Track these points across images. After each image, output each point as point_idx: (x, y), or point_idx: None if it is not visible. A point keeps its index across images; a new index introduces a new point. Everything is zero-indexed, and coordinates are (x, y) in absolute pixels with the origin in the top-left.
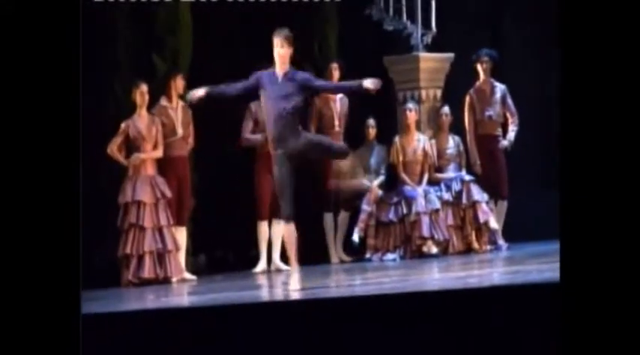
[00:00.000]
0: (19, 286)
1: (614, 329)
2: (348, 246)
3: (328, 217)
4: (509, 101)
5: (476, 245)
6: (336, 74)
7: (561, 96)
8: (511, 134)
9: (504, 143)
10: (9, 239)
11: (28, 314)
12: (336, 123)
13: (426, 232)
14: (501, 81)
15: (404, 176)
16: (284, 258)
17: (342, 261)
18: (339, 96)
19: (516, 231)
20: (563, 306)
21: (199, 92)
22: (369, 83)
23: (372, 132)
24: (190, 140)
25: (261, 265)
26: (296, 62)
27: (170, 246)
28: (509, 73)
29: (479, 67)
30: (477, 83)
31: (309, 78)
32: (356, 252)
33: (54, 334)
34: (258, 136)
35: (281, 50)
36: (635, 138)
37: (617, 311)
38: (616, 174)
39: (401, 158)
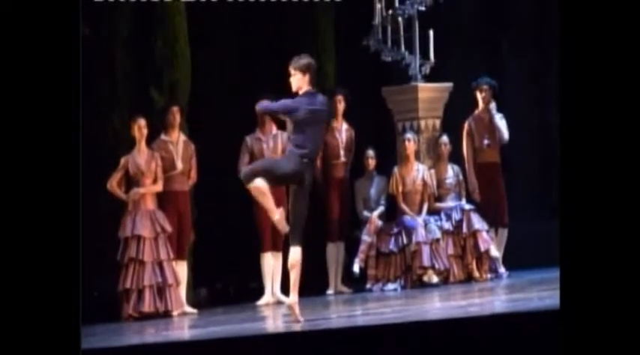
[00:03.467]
0: (19, 321)
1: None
2: (346, 276)
3: (331, 247)
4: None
5: (477, 273)
6: (340, 106)
7: (561, 122)
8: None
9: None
10: (9, 274)
11: (29, 351)
12: (342, 153)
13: (426, 262)
14: (500, 107)
15: (404, 206)
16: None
17: (340, 292)
18: (345, 126)
19: (517, 258)
20: (562, 333)
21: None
22: None
23: (372, 162)
24: (192, 174)
25: (266, 297)
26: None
27: (170, 280)
28: (508, 99)
29: (478, 95)
30: (476, 111)
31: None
32: (355, 283)
33: None
34: None
35: (292, 79)
36: (634, 165)
37: (617, 337)
38: (616, 201)
39: (400, 188)
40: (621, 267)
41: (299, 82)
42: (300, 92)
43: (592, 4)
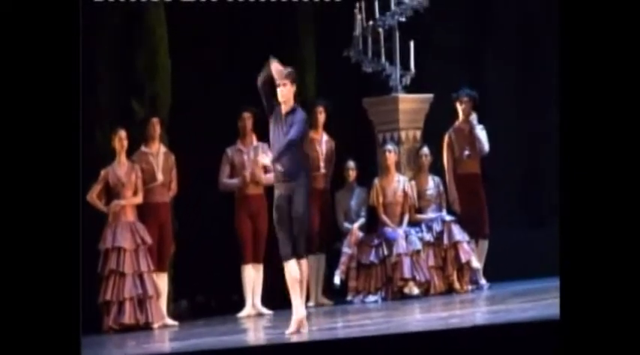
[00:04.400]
0: (18, 332)
1: None
2: (327, 288)
3: (312, 259)
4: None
5: (457, 285)
6: (321, 117)
7: (561, 133)
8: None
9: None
10: (8, 289)
11: None
12: (322, 165)
13: (407, 273)
14: (481, 117)
15: (384, 217)
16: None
17: (321, 304)
18: (325, 138)
19: (498, 269)
20: (563, 345)
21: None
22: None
23: (353, 174)
24: (173, 186)
25: (247, 309)
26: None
27: (151, 291)
28: (489, 110)
29: (458, 107)
30: (456, 122)
31: (297, 122)
32: (336, 295)
33: None
34: (235, 180)
35: (283, 89)
36: (634, 177)
37: (617, 346)
38: (617, 211)
39: (381, 200)
40: (621, 277)
41: (289, 93)
42: (290, 106)
43: (592, 5)
